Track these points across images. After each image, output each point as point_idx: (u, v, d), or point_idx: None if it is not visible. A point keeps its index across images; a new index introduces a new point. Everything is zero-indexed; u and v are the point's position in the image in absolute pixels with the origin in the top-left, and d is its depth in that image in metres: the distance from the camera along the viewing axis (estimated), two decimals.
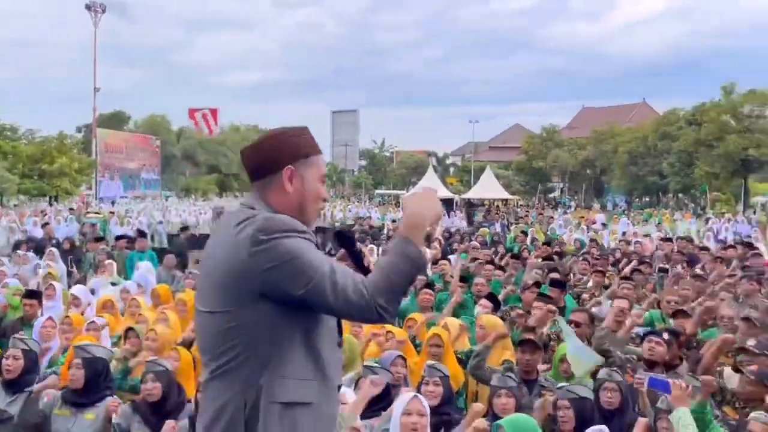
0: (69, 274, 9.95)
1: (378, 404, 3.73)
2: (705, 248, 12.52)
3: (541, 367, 5.10)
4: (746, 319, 5.33)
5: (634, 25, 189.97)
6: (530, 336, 4.74)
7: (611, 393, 3.97)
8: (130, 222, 21.52)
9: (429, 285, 6.77)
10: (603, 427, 3.48)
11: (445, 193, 37.23)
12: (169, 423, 3.79)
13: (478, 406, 3.67)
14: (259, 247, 1.81)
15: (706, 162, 39.58)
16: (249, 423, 1.83)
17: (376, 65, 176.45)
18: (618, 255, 11.70)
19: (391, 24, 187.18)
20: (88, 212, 23.87)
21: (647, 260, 10.05)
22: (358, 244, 2.21)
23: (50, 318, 5.47)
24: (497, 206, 37.94)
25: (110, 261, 9.64)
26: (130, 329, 5.10)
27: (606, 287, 7.81)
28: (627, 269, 9.43)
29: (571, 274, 9.34)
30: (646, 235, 17.65)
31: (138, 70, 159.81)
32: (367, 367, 4.05)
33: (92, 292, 7.57)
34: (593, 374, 4.70)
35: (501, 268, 9.05)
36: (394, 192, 56.08)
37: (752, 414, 3.40)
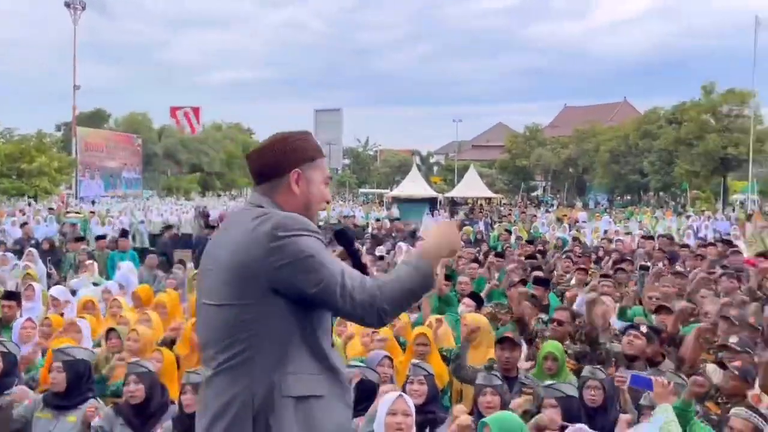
0: (48, 275, 9.81)
1: (362, 404, 3.73)
2: (685, 246, 12.67)
3: (525, 364, 5.13)
4: (725, 317, 5.40)
5: (616, 26, 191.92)
6: (509, 335, 4.76)
7: (594, 391, 4.00)
8: (111, 222, 21.30)
9: None
10: (583, 425, 3.50)
11: (428, 191, 37.31)
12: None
13: (459, 410, 3.67)
14: (277, 243, 1.86)
15: (686, 160, 40.08)
16: (258, 418, 1.85)
17: (359, 64, 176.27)
18: (600, 253, 11.81)
19: (374, 23, 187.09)
20: (68, 212, 23.59)
21: (629, 258, 10.15)
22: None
23: (30, 319, 5.40)
24: (481, 205, 38.10)
25: (91, 261, 9.54)
26: (111, 330, 5.04)
27: (588, 284, 7.87)
28: (607, 266, 9.53)
29: (554, 272, 9.40)
30: (628, 233, 17.84)
31: (119, 68, 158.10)
32: (353, 368, 4.04)
33: (73, 292, 7.48)
34: (577, 372, 4.73)
35: (483, 265, 9.09)
36: (378, 191, 56.08)
37: (733, 410, 3.44)
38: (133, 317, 5.59)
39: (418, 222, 22.98)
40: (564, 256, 10.21)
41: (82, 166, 43.03)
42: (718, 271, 8.15)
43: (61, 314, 5.86)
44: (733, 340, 4.89)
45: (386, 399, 3.43)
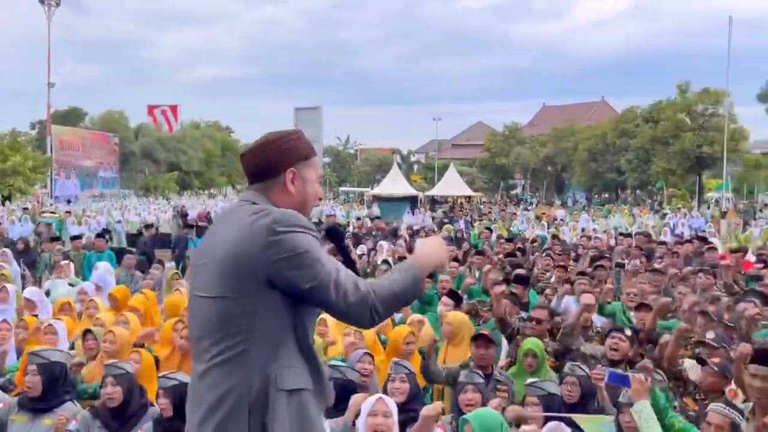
0: (22, 276, 9.64)
1: (342, 404, 3.72)
2: (663, 243, 12.84)
3: (503, 362, 5.15)
4: (703, 313, 5.48)
5: (593, 26, 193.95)
6: (485, 332, 4.78)
7: (571, 387, 4.04)
8: (88, 221, 21.03)
9: None
10: (560, 423, 3.53)
11: (409, 190, 37.37)
12: None
13: (434, 408, 3.67)
14: (275, 237, 1.89)
15: (663, 159, 40.64)
16: (253, 410, 1.88)
17: (339, 62, 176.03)
18: (579, 250, 11.93)
19: (355, 21, 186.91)
20: (43, 212, 23.25)
21: (607, 255, 10.26)
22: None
23: (5, 321, 5.29)
24: (461, 203, 38.25)
25: (67, 262, 9.39)
26: (87, 331, 4.97)
27: (569, 281, 7.94)
28: (584, 264, 9.63)
29: (535, 269, 9.47)
30: (605, 231, 18.07)
31: (95, 66, 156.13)
32: (333, 367, 4.02)
33: (47, 293, 7.36)
34: (558, 369, 4.76)
35: (466, 264, 9.14)
36: (359, 189, 56.02)
37: (711, 405, 3.48)
38: (110, 318, 5.51)
39: (398, 220, 23.02)
40: (544, 254, 10.30)
41: (57, 165, 42.34)
42: (692, 268, 8.28)
43: (35, 316, 5.76)
44: (710, 335, 4.97)
45: (367, 401, 3.43)
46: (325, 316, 4.63)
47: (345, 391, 3.78)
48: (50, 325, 5.19)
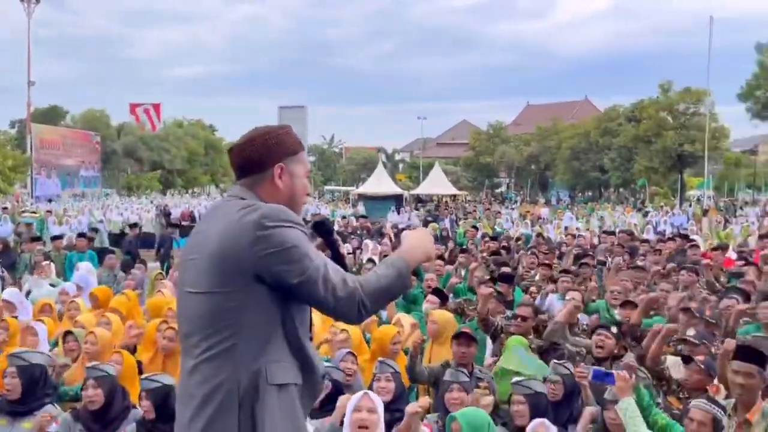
0: (1, 277, 9.49)
1: (328, 404, 3.70)
2: (645, 241, 12.95)
3: (490, 360, 5.17)
4: (685, 310, 5.52)
5: (576, 25, 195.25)
6: (466, 330, 4.79)
7: (555, 385, 4.07)
8: (69, 221, 20.79)
9: None
10: (544, 420, 3.54)
11: (394, 189, 37.39)
12: None
13: (420, 404, 3.67)
14: (263, 232, 1.88)
15: (645, 157, 41.02)
16: (243, 404, 1.88)
17: (324, 61, 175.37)
18: (563, 248, 12.00)
19: (338, 20, 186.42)
20: (23, 211, 22.90)
21: (590, 253, 10.33)
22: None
23: None
24: (446, 202, 38.34)
25: (47, 262, 9.27)
26: (68, 333, 4.90)
27: (552, 279, 7.99)
28: (569, 262, 9.69)
29: (520, 267, 9.51)
30: (589, 229, 18.21)
31: (75, 64, 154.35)
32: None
33: (28, 294, 7.26)
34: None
35: (452, 263, 9.15)
36: (344, 188, 55.97)
37: (693, 401, 3.51)
38: (91, 320, 5.43)
39: (384, 219, 23.02)
40: (529, 252, 10.34)
41: (37, 164, 41.79)
42: (674, 265, 8.36)
43: (15, 317, 5.67)
44: (690, 333, 5.02)
45: (353, 396, 3.42)
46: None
47: (331, 390, 3.76)
48: (30, 326, 5.11)
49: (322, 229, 2.20)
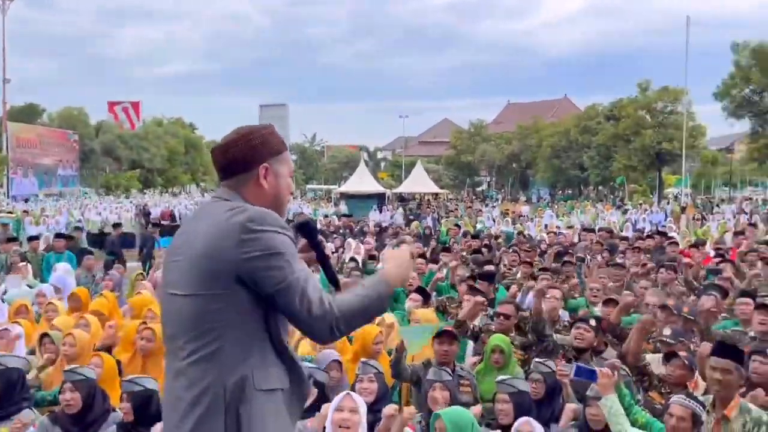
0: None
1: (310, 405, 3.68)
2: (625, 238, 13.09)
3: (473, 359, 5.18)
4: (663, 307, 5.59)
5: (556, 24, 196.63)
6: (449, 328, 4.79)
7: (536, 384, 4.10)
8: (46, 221, 20.49)
9: None
10: (529, 418, 3.56)
11: (376, 187, 37.37)
12: None
13: (393, 408, 3.67)
14: (249, 236, 1.86)
15: (624, 155, 41.45)
16: (229, 409, 1.85)
17: (305, 59, 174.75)
18: (544, 246, 12.09)
19: (319, 18, 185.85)
20: None
21: (570, 251, 10.41)
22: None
23: None
24: (428, 200, 38.41)
25: (24, 263, 9.12)
26: (45, 335, 4.81)
27: (534, 277, 8.04)
28: (550, 260, 9.75)
29: (501, 265, 9.55)
30: (570, 227, 18.35)
31: (52, 62, 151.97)
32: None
33: (3, 293, 7.14)
34: (527, 361, 4.81)
35: (435, 261, 9.15)
36: (326, 187, 55.79)
37: (673, 397, 3.55)
38: (70, 322, 5.35)
39: (366, 218, 23.00)
40: (510, 250, 10.40)
41: (13, 163, 41.13)
42: (653, 264, 8.46)
43: None
44: (666, 332, 5.08)
45: (336, 397, 3.41)
46: None
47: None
48: (6, 329, 5.02)
49: (306, 230, 2.16)
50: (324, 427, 3.42)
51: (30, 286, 7.99)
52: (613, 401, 3.52)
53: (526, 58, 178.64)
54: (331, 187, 51.61)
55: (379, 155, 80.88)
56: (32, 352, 5.02)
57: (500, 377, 4.03)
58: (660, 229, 16.94)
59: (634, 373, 4.45)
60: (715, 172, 49.72)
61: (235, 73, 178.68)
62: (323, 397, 3.75)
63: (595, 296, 6.70)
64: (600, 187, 51.45)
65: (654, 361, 4.71)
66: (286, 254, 1.87)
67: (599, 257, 10.07)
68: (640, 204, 30.62)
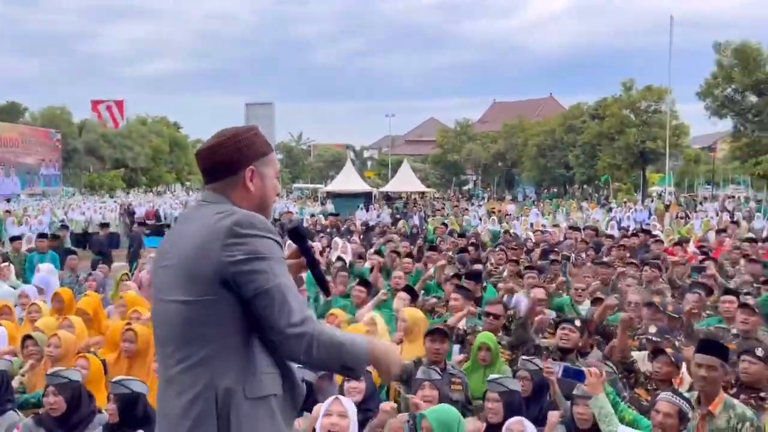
0: None
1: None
2: (610, 236, 13.18)
3: (458, 357, 5.19)
4: (649, 304, 5.64)
5: (542, 24, 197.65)
6: (440, 326, 4.81)
7: (523, 381, 4.12)
8: (29, 221, 20.25)
9: (363, 282, 6.72)
10: (521, 418, 3.58)
11: (363, 186, 37.35)
12: None
13: (386, 406, 3.67)
14: (233, 240, 1.84)
15: (609, 154, 41.76)
16: (221, 416, 1.83)
17: (291, 58, 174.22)
18: (530, 244, 12.15)
19: (306, 16, 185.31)
20: None
21: (556, 249, 10.47)
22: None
23: None
24: (414, 199, 38.45)
25: (6, 264, 9.01)
26: (27, 337, 4.75)
27: (520, 275, 8.07)
28: (536, 258, 9.81)
29: (488, 264, 9.58)
30: (555, 225, 18.45)
31: (34, 60, 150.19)
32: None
33: None
34: (514, 361, 4.83)
35: (420, 260, 9.17)
36: (312, 186, 55.64)
37: (660, 394, 3.59)
38: (53, 323, 5.29)
39: (352, 217, 22.98)
40: (497, 248, 10.44)
41: None
42: (637, 263, 8.53)
43: None
44: (652, 330, 5.12)
45: (325, 402, 3.41)
46: None
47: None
48: None
49: (296, 235, 2.15)
50: (314, 429, 3.41)
51: (13, 287, 7.90)
52: (603, 402, 3.54)
53: (511, 58, 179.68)
54: (318, 186, 51.46)
55: (366, 154, 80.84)
56: (14, 354, 4.95)
57: (492, 376, 4.05)
58: (644, 227, 17.07)
59: (620, 370, 4.49)
60: (698, 170, 50.22)
61: (221, 72, 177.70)
62: (311, 395, 3.74)
63: (579, 296, 6.75)
64: (585, 186, 51.80)
65: (640, 359, 4.75)
66: (270, 259, 1.85)
67: (584, 255, 10.15)
68: (625, 202, 30.88)
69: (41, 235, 11.83)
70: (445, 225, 16.34)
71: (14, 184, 42.41)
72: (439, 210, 28.94)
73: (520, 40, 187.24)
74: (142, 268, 8.96)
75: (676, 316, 5.70)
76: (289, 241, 2.31)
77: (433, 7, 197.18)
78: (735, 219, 19.71)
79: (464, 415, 3.86)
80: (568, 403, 3.88)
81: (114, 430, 3.66)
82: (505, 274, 8.54)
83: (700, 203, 33.51)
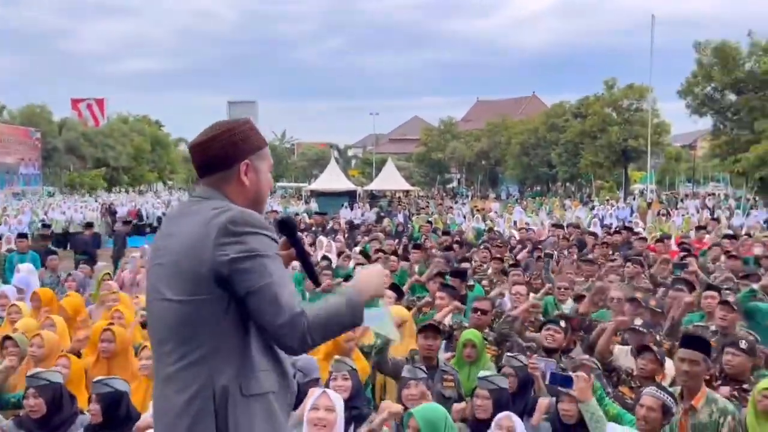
0: None
1: None
2: (593, 233, 13.29)
3: (446, 355, 5.20)
4: (632, 300, 5.69)
5: (524, 23, 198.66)
6: (432, 322, 4.81)
7: (508, 377, 4.13)
8: (8, 221, 19.96)
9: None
10: (510, 413, 3.59)
11: (347, 185, 37.28)
12: None
13: (388, 405, 3.67)
14: (227, 239, 1.83)
15: (591, 152, 42.06)
16: (219, 414, 1.83)
17: (274, 56, 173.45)
18: (513, 242, 12.21)
19: (288, 14, 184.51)
20: None
21: (539, 246, 10.54)
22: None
23: None
24: (399, 198, 38.46)
25: None
26: (7, 338, 4.68)
27: (504, 272, 8.11)
28: (522, 256, 9.86)
29: (472, 262, 9.61)
30: (540, 223, 18.56)
31: (14, 58, 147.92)
32: None
33: None
34: (499, 357, 4.85)
35: (406, 258, 9.17)
36: (296, 185, 55.45)
37: (645, 389, 3.62)
38: (33, 324, 5.21)
39: (337, 215, 22.93)
40: (482, 246, 10.47)
41: None
42: (619, 260, 8.61)
43: None
44: (638, 322, 5.18)
45: (313, 395, 3.39)
46: None
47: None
48: None
49: (285, 227, 2.15)
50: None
51: None
52: (594, 408, 3.56)
53: (495, 56, 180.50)
54: (301, 184, 51.30)
55: (350, 153, 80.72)
56: None
57: (482, 373, 4.06)
58: (626, 224, 17.24)
59: (602, 370, 4.52)
60: (678, 168, 50.80)
61: (203, 70, 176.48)
62: (298, 396, 3.72)
63: (562, 295, 6.78)
64: (568, 184, 52.16)
65: (622, 354, 4.79)
66: (264, 257, 1.83)
67: (566, 252, 10.22)
68: (607, 200, 31.13)
69: (21, 235, 11.66)
70: (430, 223, 16.36)
71: None
72: (423, 208, 28.97)
73: (503, 38, 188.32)
74: (125, 268, 8.87)
75: (659, 310, 5.76)
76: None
77: (416, 5, 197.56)
78: (715, 216, 19.95)
79: None
80: (554, 399, 3.91)
81: (96, 431, 3.61)
82: (490, 271, 8.58)
83: (681, 200, 33.90)
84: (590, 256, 9.21)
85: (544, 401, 3.91)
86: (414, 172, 60.04)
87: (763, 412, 3.62)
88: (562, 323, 4.91)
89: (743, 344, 4.23)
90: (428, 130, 62.31)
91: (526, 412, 4.05)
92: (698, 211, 23.62)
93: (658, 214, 22.03)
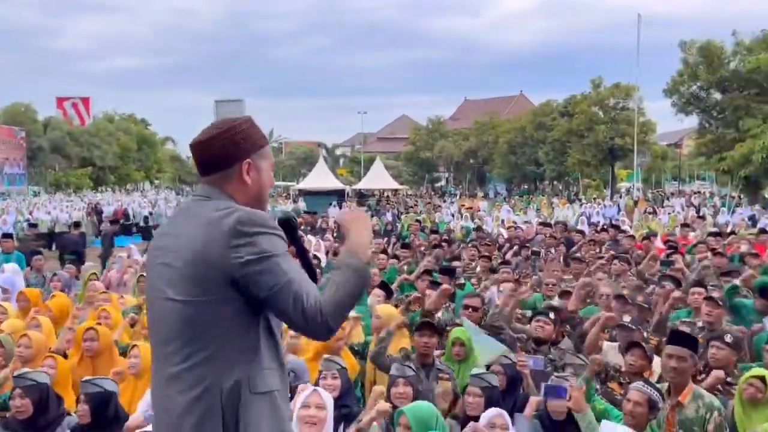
0: None
1: None
2: (581, 232, 13.37)
3: (435, 353, 5.22)
4: (619, 297, 5.74)
5: (512, 21, 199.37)
6: (429, 320, 4.82)
7: (498, 375, 4.14)
8: None
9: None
10: (502, 411, 3.60)
11: (335, 184, 37.25)
12: None
13: (378, 391, 3.67)
14: (239, 240, 1.83)
15: (578, 151, 42.31)
16: (227, 413, 1.83)
17: (261, 54, 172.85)
18: (501, 240, 12.26)
19: (274, 12, 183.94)
20: None
21: (527, 245, 10.59)
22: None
23: None
24: (387, 196, 38.49)
25: None
26: None
27: (493, 270, 8.15)
28: (510, 254, 9.90)
29: (461, 260, 9.64)
30: (526, 222, 18.64)
31: None
32: None
33: None
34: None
35: (396, 257, 9.18)
36: (284, 183, 55.32)
37: (632, 384, 3.65)
38: (19, 324, 5.16)
39: (326, 215, 22.91)
40: (470, 245, 10.51)
41: None
42: (610, 254, 8.68)
43: None
44: (626, 319, 5.22)
45: (303, 393, 3.39)
46: None
47: None
48: None
49: (286, 226, 2.14)
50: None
51: None
52: (590, 418, 3.58)
53: (482, 55, 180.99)
54: (290, 183, 51.18)
55: (338, 151, 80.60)
56: None
57: (474, 371, 4.07)
58: (613, 222, 17.36)
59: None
60: (664, 166, 51.22)
61: (190, 68, 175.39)
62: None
63: (550, 291, 6.82)
64: (555, 182, 52.43)
65: (611, 350, 4.83)
66: (277, 256, 1.85)
67: (553, 250, 10.28)
68: (594, 198, 31.33)
69: (6, 235, 11.54)
70: (419, 222, 16.38)
71: None
72: (411, 207, 29.02)
73: (490, 37, 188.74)
74: (111, 268, 8.80)
75: (647, 306, 5.80)
76: None
77: (403, 3, 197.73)
78: (701, 214, 20.14)
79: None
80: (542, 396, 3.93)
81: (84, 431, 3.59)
82: (478, 270, 8.61)
83: (668, 198, 34.19)
84: (578, 255, 9.27)
85: (536, 399, 3.93)
86: (402, 170, 60.09)
87: (749, 401, 3.67)
88: (551, 315, 4.95)
89: (728, 338, 4.28)
90: (416, 129, 62.37)
91: (516, 409, 4.08)
92: (684, 209, 23.83)
93: (645, 212, 22.21)
